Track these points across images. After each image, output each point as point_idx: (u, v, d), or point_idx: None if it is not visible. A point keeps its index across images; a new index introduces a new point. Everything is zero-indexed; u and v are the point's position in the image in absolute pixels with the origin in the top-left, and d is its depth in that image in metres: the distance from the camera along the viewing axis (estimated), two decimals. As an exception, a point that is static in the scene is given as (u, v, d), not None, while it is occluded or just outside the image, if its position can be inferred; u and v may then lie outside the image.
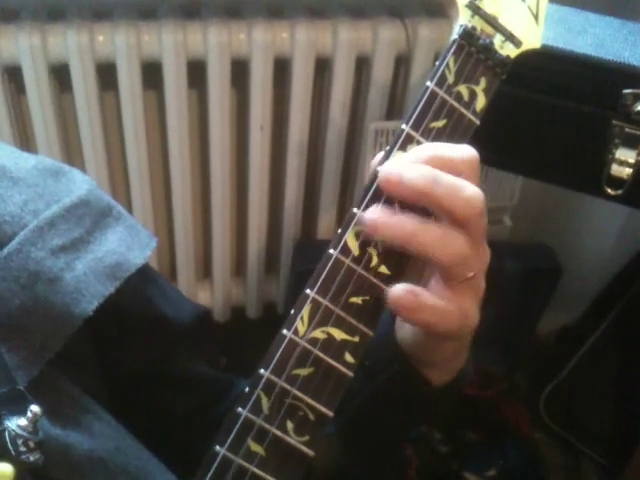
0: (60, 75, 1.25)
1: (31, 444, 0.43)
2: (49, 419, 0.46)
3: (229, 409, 0.53)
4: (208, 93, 1.29)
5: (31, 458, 0.43)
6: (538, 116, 0.89)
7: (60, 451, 0.47)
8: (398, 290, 0.43)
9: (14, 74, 1.22)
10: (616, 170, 0.86)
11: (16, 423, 0.43)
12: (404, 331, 0.53)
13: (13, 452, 0.42)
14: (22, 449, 0.43)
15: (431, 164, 0.44)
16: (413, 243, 0.43)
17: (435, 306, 0.43)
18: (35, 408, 0.44)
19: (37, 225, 0.51)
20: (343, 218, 1.49)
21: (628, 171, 0.85)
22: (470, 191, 0.43)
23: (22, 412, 0.44)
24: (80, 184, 0.56)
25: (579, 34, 0.88)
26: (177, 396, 0.64)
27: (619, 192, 0.87)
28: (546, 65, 0.85)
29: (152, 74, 1.27)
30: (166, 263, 1.55)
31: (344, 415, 0.48)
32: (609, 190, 0.87)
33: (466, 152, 0.45)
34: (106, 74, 1.25)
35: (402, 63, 1.36)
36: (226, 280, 1.58)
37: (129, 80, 1.24)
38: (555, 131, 0.89)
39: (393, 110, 1.41)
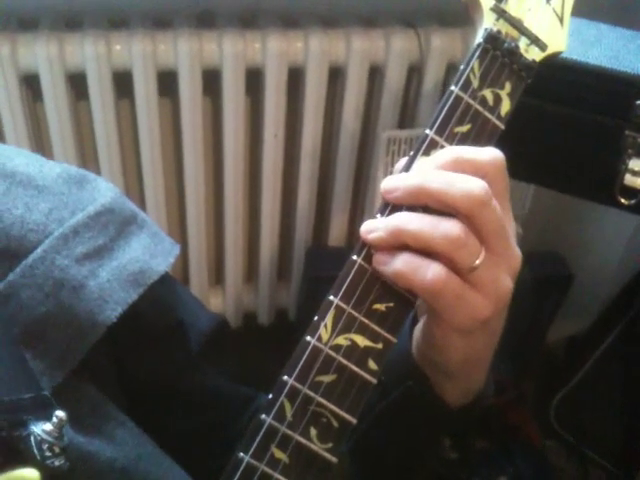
0: (77, 83, 1.26)
1: (56, 449, 0.43)
2: (72, 426, 0.47)
3: (247, 425, 0.53)
4: (223, 101, 1.30)
5: (56, 463, 0.43)
6: (552, 126, 0.89)
7: (83, 459, 0.47)
8: (404, 255, 0.44)
9: (31, 82, 1.24)
10: (629, 180, 0.86)
11: (42, 428, 0.43)
12: (420, 336, 0.52)
13: (38, 457, 0.43)
14: (47, 454, 0.43)
15: (455, 166, 0.44)
16: (403, 234, 0.44)
17: (460, 291, 0.43)
18: (60, 413, 0.44)
19: (62, 233, 0.51)
20: (354, 225, 1.49)
21: None
22: (466, 183, 0.43)
23: (47, 418, 0.44)
24: (104, 192, 0.56)
25: (592, 45, 0.88)
26: (194, 412, 0.64)
27: (632, 202, 0.87)
28: (560, 76, 0.86)
29: (167, 82, 1.28)
30: (179, 269, 1.55)
31: (357, 431, 0.47)
32: (622, 200, 0.87)
33: (491, 153, 0.45)
34: (122, 82, 1.26)
35: (414, 72, 1.37)
36: (238, 286, 1.58)
37: (145, 88, 1.25)
38: (569, 141, 0.90)
39: (405, 119, 1.42)
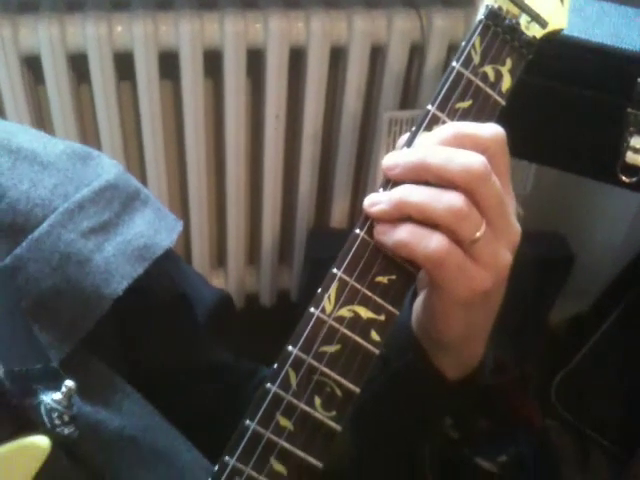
0: (78, 65, 1.26)
1: (66, 417, 0.44)
2: (80, 396, 0.48)
3: (249, 399, 0.54)
4: (224, 82, 1.30)
5: (66, 431, 0.44)
6: (554, 104, 0.89)
7: (91, 427, 0.48)
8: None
9: (33, 64, 1.24)
10: (631, 157, 0.86)
11: (51, 397, 0.44)
12: (421, 310, 0.52)
13: (49, 425, 0.44)
14: (57, 422, 0.44)
15: (455, 141, 0.44)
16: (406, 206, 0.44)
17: (462, 263, 0.44)
18: (70, 383, 0.45)
19: (67, 208, 0.52)
20: (356, 206, 1.49)
21: None
22: (464, 157, 0.43)
23: (56, 388, 0.45)
24: (108, 168, 0.57)
25: (595, 23, 0.88)
26: (198, 384, 0.65)
27: (634, 179, 0.87)
28: (562, 54, 0.86)
29: (169, 63, 1.28)
30: (181, 251, 1.56)
31: (357, 404, 0.48)
32: (624, 177, 0.88)
33: (491, 129, 0.45)
34: (124, 64, 1.26)
35: (416, 53, 1.37)
36: (240, 268, 1.59)
37: (146, 69, 1.25)
38: (571, 119, 0.90)
39: (407, 99, 1.42)
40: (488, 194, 0.44)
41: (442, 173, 0.43)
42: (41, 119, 1.32)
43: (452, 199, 0.43)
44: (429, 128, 0.47)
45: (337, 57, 1.35)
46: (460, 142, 0.44)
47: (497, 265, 0.45)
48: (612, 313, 1.59)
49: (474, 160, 0.43)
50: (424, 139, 0.46)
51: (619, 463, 1.58)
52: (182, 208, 1.50)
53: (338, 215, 1.54)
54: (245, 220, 1.53)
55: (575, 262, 1.52)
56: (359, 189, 1.54)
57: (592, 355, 1.63)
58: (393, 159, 0.46)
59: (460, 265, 0.44)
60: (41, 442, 0.43)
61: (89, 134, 1.36)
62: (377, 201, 0.45)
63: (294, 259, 1.60)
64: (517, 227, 0.47)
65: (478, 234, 0.44)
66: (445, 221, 0.43)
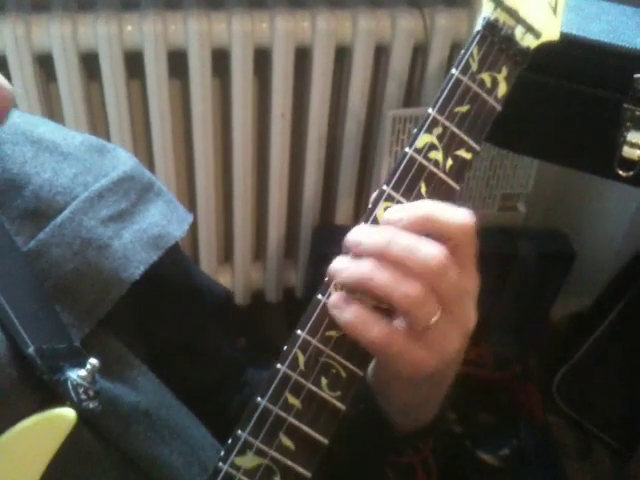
0: (89, 63, 1.28)
1: (90, 392, 0.47)
2: (100, 373, 0.50)
3: (235, 392, 0.56)
4: (231, 81, 1.32)
5: (90, 405, 0.47)
6: (553, 100, 0.91)
7: (111, 402, 0.50)
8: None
9: (45, 62, 1.26)
10: (627, 152, 0.88)
11: (77, 374, 0.47)
12: (371, 370, 0.55)
13: (75, 399, 0.46)
14: (83, 397, 0.46)
15: (423, 225, 0.45)
16: (366, 285, 0.45)
17: (404, 348, 0.45)
18: (94, 361, 0.48)
19: (88, 196, 0.55)
20: (361, 204, 1.51)
21: (639, 153, 0.88)
22: (425, 251, 0.44)
23: (81, 365, 0.48)
24: (125, 160, 0.60)
25: (593, 21, 0.90)
26: (200, 367, 0.67)
27: (630, 173, 0.89)
28: (561, 51, 0.87)
29: (177, 62, 1.30)
30: (189, 248, 1.58)
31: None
32: (621, 172, 0.89)
33: (460, 218, 0.46)
34: (133, 62, 1.28)
35: (420, 52, 1.38)
36: (246, 265, 1.61)
37: (155, 68, 1.27)
38: (569, 114, 0.92)
39: (410, 98, 1.44)
40: (446, 286, 0.45)
41: (401, 262, 0.44)
42: (52, 116, 1.34)
43: (409, 288, 0.44)
44: (430, 130, 0.50)
45: (342, 56, 1.37)
46: (428, 227, 0.45)
47: (445, 350, 0.46)
48: (613, 309, 1.60)
49: (434, 254, 0.44)
50: (395, 213, 0.46)
51: (621, 458, 1.59)
52: (190, 205, 1.52)
53: (343, 212, 1.55)
54: (251, 217, 1.55)
55: (576, 259, 1.53)
56: (363, 186, 1.56)
57: (594, 351, 1.64)
58: (357, 236, 0.46)
59: (402, 350, 0.45)
60: (68, 414, 0.45)
61: (99, 131, 1.38)
62: (343, 269, 0.46)
63: (299, 256, 1.62)
64: (472, 315, 0.48)
65: (432, 321, 0.45)
66: (401, 307, 0.44)
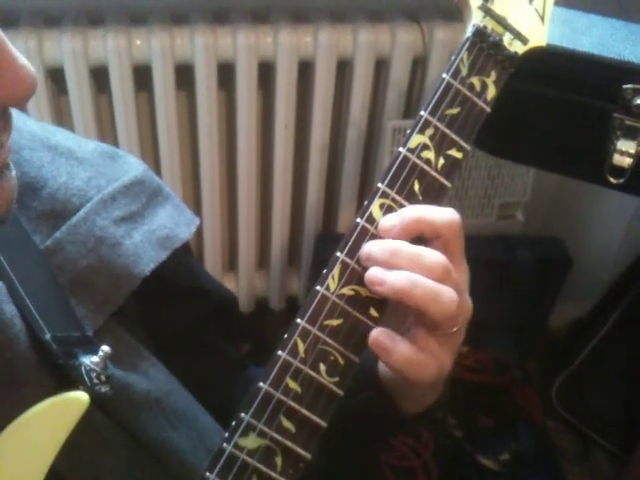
0: (99, 77, 1.32)
1: (102, 377, 0.50)
2: (112, 362, 0.53)
3: (237, 388, 0.59)
4: (236, 93, 1.35)
5: (102, 389, 0.50)
6: (547, 109, 0.93)
7: (122, 388, 0.54)
8: (378, 330, 0.50)
9: (56, 75, 1.29)
10: (618, 160, 0.90)
11: (90, 360, 0.50)
12: (384, 367, 0.59)
13: (88, 383, 0.49)
14: (95, 381, 0.49)
15: (416, 227, 0.50)
16: (408, 299, 0.48)
17: (408, 355, 0.49)
18: (106, 348, 0.51)
19: (101, 198, 0.58)
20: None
21: (629, 161, 0.89)
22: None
23: (94, 352, 0.51)
24: (135, 165, 0.64)
25: (583, 34, 0.93)
26: (204, 361, 0.70)
27: (621, 181, 0.91)
28: (553, 62, 0.90)
29: (184, 76, 1.33)
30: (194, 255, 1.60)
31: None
32: (611, 179, 0.91)
33: (447, 217, 0.50)
34: (142, 76, 1.32)
35: (419, 65, 1.41)
36: (250, 272, 1.63)
37: (163, 81, 1.30)
38: (561, 124, 0.94)
39: (410, 109, 1.46)
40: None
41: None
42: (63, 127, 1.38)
43: (452, 303, 0.48)
44: (422, 131, 0.53)
45: (343, 69, 1.40)
46: (418, 228, 0.50)
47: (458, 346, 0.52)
48: (612, 316, 1.61)
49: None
50: (389, 220, 0.51)
51: (619, 462, 1.60)
52: (195, 214, 1.53)
53: (344, 220, 1.57)
54: (255, 226, 1.57)
55: (574, 266, 1.55)
56: (364, 195, 1.56)
57: (592, 357, 1.65)
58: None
59: (420, 364, 0.50)
60: (81, 396, 0.48)
61: (108, 142, 1.39)
62: (383, 278, 0.49)
63: (302, 263, 1.63)
64: (469, 303, 0.52)
65: (455, 329, 0.51)
66: (441, 320, 0.49)
